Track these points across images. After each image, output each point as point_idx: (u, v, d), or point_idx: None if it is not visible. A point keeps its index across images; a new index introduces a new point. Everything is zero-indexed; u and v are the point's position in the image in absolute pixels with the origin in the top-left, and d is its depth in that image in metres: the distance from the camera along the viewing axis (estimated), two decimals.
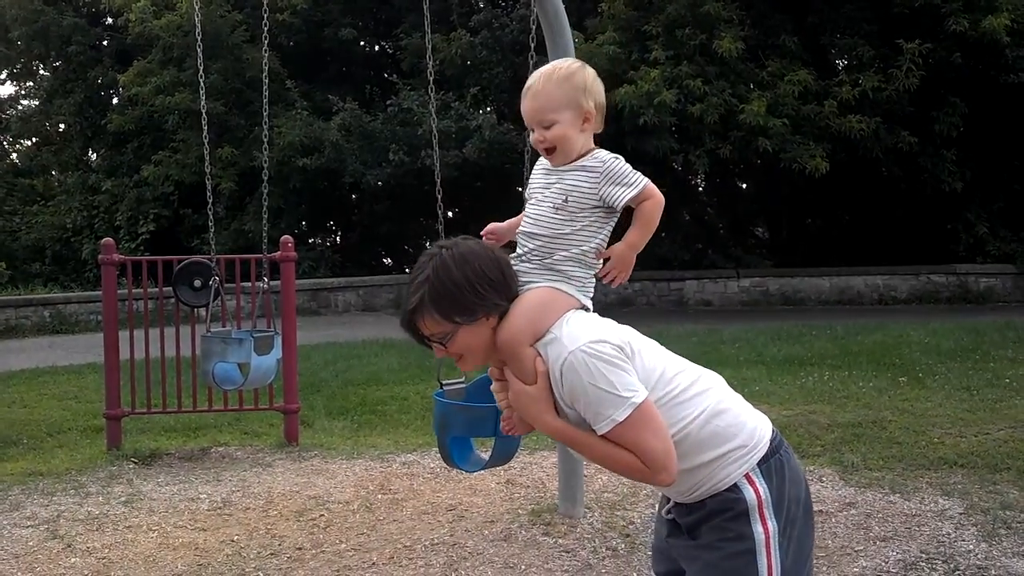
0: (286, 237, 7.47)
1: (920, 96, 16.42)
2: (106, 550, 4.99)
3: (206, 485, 6.20)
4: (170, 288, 7.06)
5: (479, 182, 19.65)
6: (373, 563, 4.70)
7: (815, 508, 2.64)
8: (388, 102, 19.50)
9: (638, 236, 2.41)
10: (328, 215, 23.24)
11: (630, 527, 5.10)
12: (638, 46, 16.76)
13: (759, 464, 2.29)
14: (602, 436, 2.21)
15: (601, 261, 2.40)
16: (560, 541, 4.93)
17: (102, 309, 7.56)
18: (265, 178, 7.14)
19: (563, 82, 2.37)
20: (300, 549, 4.93)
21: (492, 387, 2.44)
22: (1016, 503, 5.25)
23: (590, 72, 2.42)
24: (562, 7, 5.13)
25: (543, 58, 5.03)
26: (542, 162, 2.47)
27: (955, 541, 4.73)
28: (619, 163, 2.37)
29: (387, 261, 23.88)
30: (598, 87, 2.42)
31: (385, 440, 7.35)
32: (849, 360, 10.13)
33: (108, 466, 6.71)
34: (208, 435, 7.73)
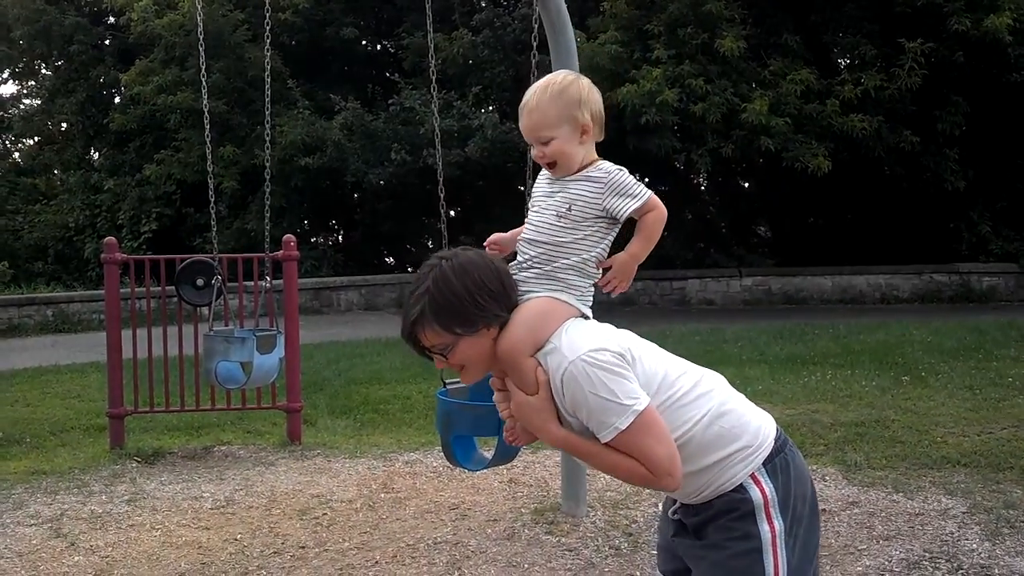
0: (288, 236, 7.48)
1: (922, 95, 16.40)
2: (109, 548, 5.00)
3: (209, 484, 6.21)
4: (173, 287, 7.06)
5: (481, 181, 19.67)
6: (376, 562, 4.70)
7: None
8: (390, 101, 19.51)
9: (640, 247, 2.41)
10: (330, 214, 23.25)
11: (633, 526, 5.11)
12: (640, 45, 16.75)
13: (764, 464, 2.29)
14: (606, 444, 2.20)
15: (601, 271, 2.40)
16: (563, 540, 4.93)
17: (105, 308, 7.57)
18: (267, 177, 7.15)
19: (557, 97, 2.36)
20: (303, 548, 4.93)
21: (494, 398, 2.44)
22: (1019, 502, 5.25)
23: (585, 83, 2.42)
24: (564, 6, 5.13)
25: (545, 57, 5.05)
26: (546, 172, 2.47)
27: (958, 540, 4.73)
28: (623, 175, 2.37)
29: (389, 260, 23.88)
30: (594, 97, 2.41)
31: (388, 439, 7.35)
32: (852, 359, 10.12)
33: (111, 465, 6.72)
34: (211, 434, 7.74)
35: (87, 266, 21.70)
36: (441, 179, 5.32)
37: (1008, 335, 11.48)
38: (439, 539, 5.00)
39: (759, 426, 2.33)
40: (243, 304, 7.84)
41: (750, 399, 2.44)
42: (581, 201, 2.35)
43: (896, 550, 4.63)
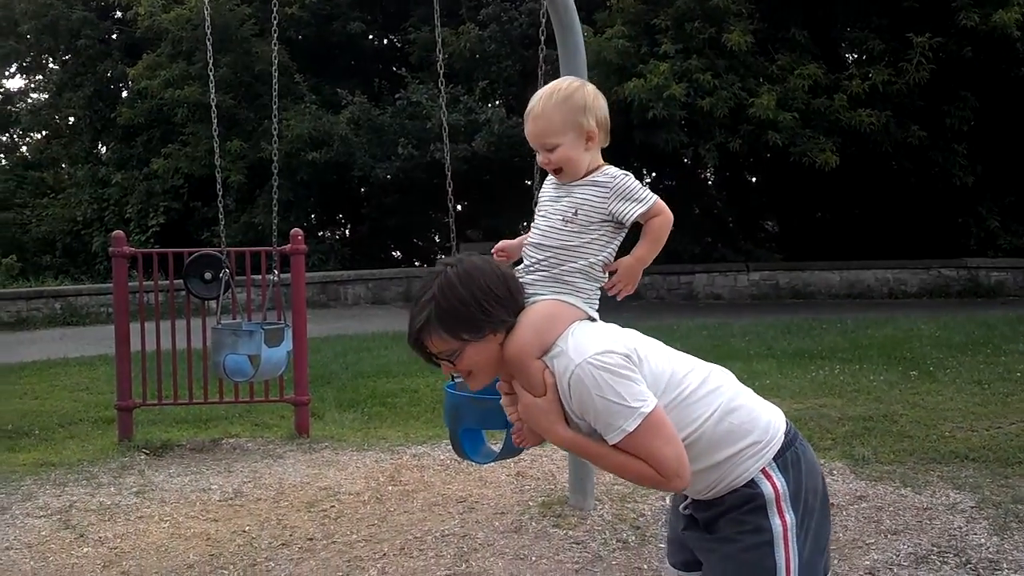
0: (296, 230, 7.48)
1: (931, 90, 16.36)
2: (118, 540, 5.02)
3: (217, 476, 6.23)
4: (181, 280, 7.08)
5: (488, 176, 19.66)
6: (384, 554, 4.71)
7: None
8: (397, 96, 19.50)
9: (646, 251, 2.40)
10: (337, 208, 23.28)
11: (640, 519, 5.11)
12: (647, 40, 16.72)
13: (775, 458, 2.29)
14: (613, 446, 2.21)
15: (607, 275, 2.40)
16: (570, 533, 4.94)
17: (113, 301, 7.59)
18: (275, 171, 7.15)
19: (562, 104, 2.36)
20: (311, 540, 4.95)
21: (502, 401, 2.45)
22: None
23: (590, 89, 2.42)
24: (571, 1, 5.12)
25: (553, 51, 5.04)
26: (552, 177, 2.47)
27: (966, 535, 4.73)
28: (629, 179, 2.37)
29: (396, 254, 23.92)
30: (599, 103, 2.41)
31: (395, 432, 7.36)
32: (859, 354, 10.11)
33: (120, 457, 6.74)
34: (219, 427, 7.75)
35: (95, 260, 21.76)
36: (449, 173, 5.32)
37: (1016, 330, 11.45)
38: (446, 532, 5.01)
39: (769, 421, 2.34)
40: (251, 298, 7.86)
41: (758, 394, 2.44)
42: (587, 205, 2.35)
43: (904, 544, 4.63)
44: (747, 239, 21.06)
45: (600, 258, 2.36)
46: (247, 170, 19.57)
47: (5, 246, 23.44)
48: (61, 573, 4.57)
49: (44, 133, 28.16)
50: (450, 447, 6.36)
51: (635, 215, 2.34)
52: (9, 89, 29.61)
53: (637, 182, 2.38)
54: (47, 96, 27.34)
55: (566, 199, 2.38)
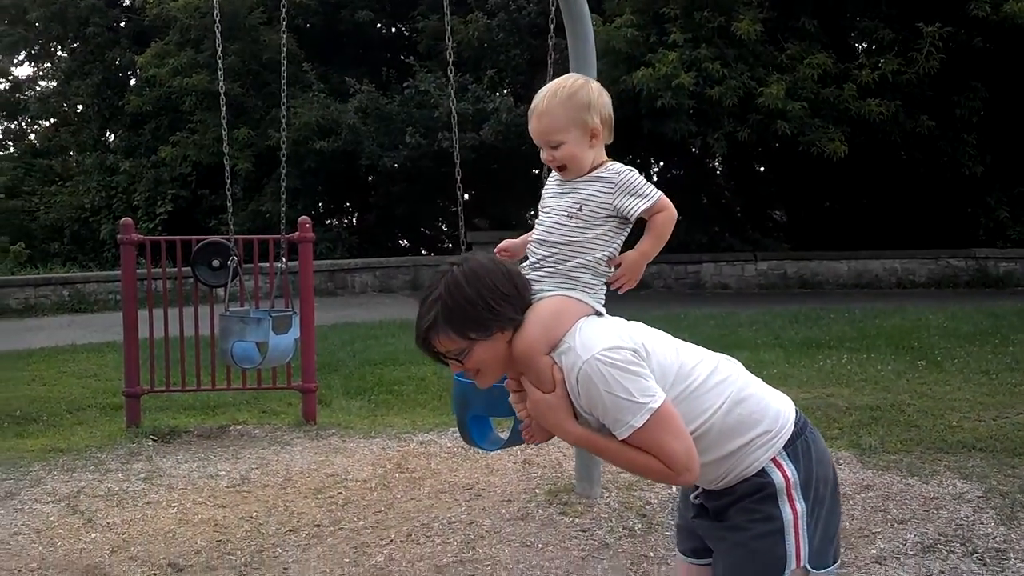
0: (304, 218, 7.48)
1: (940, 80, 16.28)
2: (126, 526, 5.04)
3: (225, 462, 6.25)
4: (189, 268, 7.09)
5: (495, 164, 19.63)
6: (391, 540, 4.72)
7: None
8: (405, 84, 19.47)
9: (650, 246, 2.41)
10: (345, 197, 23.28)
11: (647, 507, 5.12)
12: (656, 28, 16.66)
13: (785, 447, 2.30)
14: (623, 441, 2.21)
15: (612, 269, 2.40)
16: (577, 521, 4.94)
17: (121, 288, 7.60)
18: (283, 159, 7.15)
19: (567, 101, 2.36)
20: (318, 526, 4.96)
21: (511, 398, 2.45)
22: None
23: (594, 87, 2.42)
24: None
25: (562, 40, 5.03)
26: (556, 173, 2.47)
27: (973, 524, 4.73)
28: (633, 175, 2.38)
29: (404, 243, 23.91)
30: (603, 101, 2.41)
31: (402, 420, 7.38)
32: (867, 343, 10.09)
33: (127, 443, 6.76)
34: (226, 413, 7.78)
35: (103, 247, 21.80)
36: (458, 162, 5.32)
37: None
38: (453, 519, 5.02)
39: (779, 410, 2.34)
40: (258, 285, 7.87)
41: (765, 383, 2.44)
42: (592, 201, 2.35)
43: (911, 534, 4.63)
44: (755, 228, 21.01)
45: (605, 254, 2.37)
46: (255, 158, 19.58)
47: (13, 233, 23.53)
48: (69, 558, 4.59)
49: (52, 121, 28.19)
50: (457, 435, 6.38)
51: (639, 210, 2.35)
52: (18, 77, 29.66)
53: (641, 178, 2.39)
54: (55, 84, 27.35)
55: (570, 195, 2.38)
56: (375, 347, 10.79)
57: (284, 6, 6.82)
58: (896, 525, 4.76)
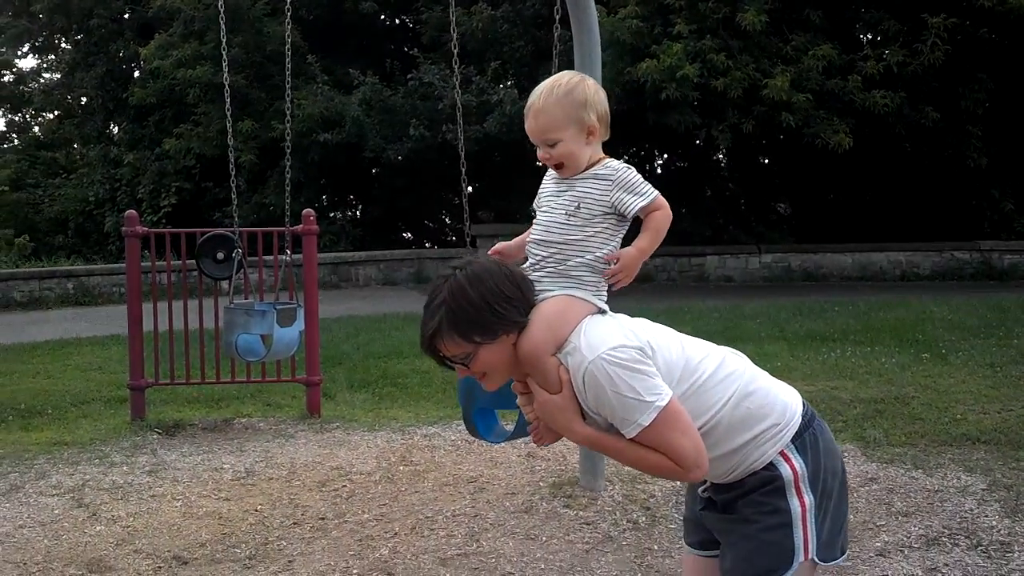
0: (308, 211, 7.47)
1: (946, 71, 16.24)
2: (131, 519, 5.04)
3: (229, 455, 6.25)
4: (193, 260, 7.09)
5: (499, 157, 19.61)
6: (395, 533, 4.73)
7: None
8: (409, 76, 19.44)
9: (648, 243, 2.39)
10: (349, 189, 23.26)
11: (651, 500, 5.12)
12: (661, 20, 16.62)
13: (793, 440, 2.30)
14: (631, 440, 2.21)
15: (610, 264, 2.39)
16: (581, 513, 4.95)
17: (125, 281, 7.60)
18: (288, 151, 7.15)
19: (563, 99, 2.35)
20: (323, 519, 4.97)
21: (518, 401, 2.45)
22: None
23: (591, 84, 2.41)
24: None
25: (567, 31, 5.01)
26: (552, 172, 2.46)
27: (977, 517, 4.72)
28: (631, 172, 2.37)
29: (407, 235, 23.91)
30: (600, 98, 2.40)
31: (406, 413, 7.38)
32: (871, 336, 10.08)
33: (132, 436, 6.77)
34: (231, 406, 7.78)
35: (107, 239, 21.83)
36: (463, 154, 5.31)
37: None
38: (457, 512, 5.02)
39: (786, 403, 2.34)
40: (263, 278, 7.86)
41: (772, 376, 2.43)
42: (590, 199, 2.34)
43: (915, 526, 4.62)
44: (759, 221, 20.99)
45: (604, 252, 2.36)
46: (258, 150, 19.58)
47: (18, 226, 23.59)
48: (74, 551, 4.60)
49: (56, 113, 28.25)
50: (461, 428, 6.39)
51: (636, 208, 2.34)
52: (22, 69, 29.72)
53: (639, 176, 2.39)
54: (59, 76, 27.41)
55: (568, 193, 2.37)
56: (379, 340, 10.80)
57: None
58: (900, 518, 4.75)
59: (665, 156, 21.98)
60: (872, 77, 15.91)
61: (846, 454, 5.78)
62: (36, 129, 30.13)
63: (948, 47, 15.70)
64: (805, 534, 2.26)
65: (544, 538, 4.63)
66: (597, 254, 2.34)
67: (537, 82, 2.44)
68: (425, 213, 23.31)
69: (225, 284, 7.19)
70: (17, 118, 30.90)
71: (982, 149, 16.94)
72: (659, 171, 21.85)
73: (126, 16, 24.26)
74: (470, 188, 20.26)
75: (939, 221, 18.22)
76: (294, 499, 5.31)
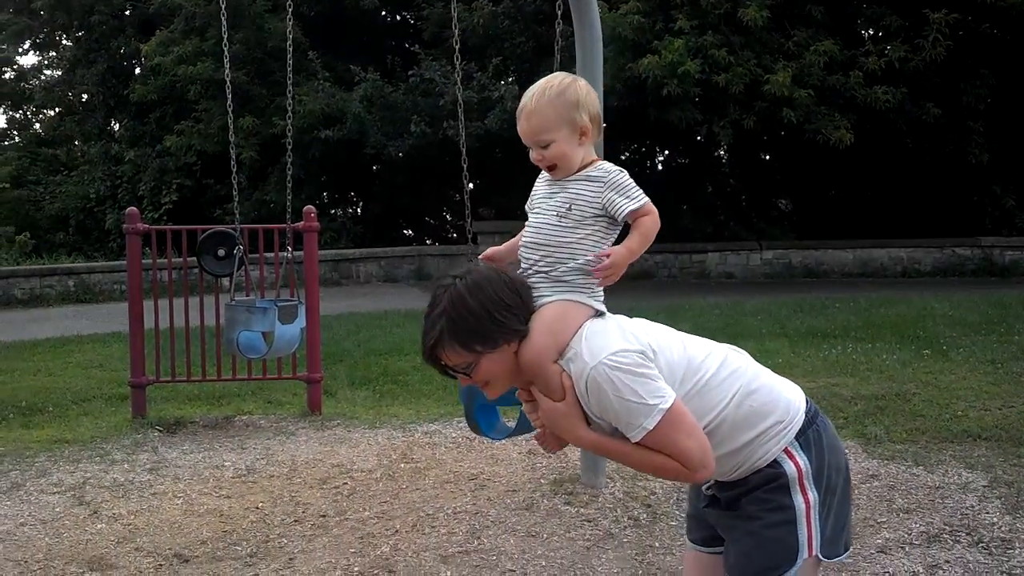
0: (309, 207, 7.47)
1: (947, 67, 16.22)
2: (132, 516, 5.05)
3: (230, 453, 6.25)
4: (194, 257, 7.08)
5: (500, 153, 19.59)
6: (396, 531, 4.73)
7: None
8: (410, 72, 19.42)
9: (637, 244, 2.38)
10: (349, 186, 23.25)
11: (651, 497, 5.11)
12: (662, 15, 16.59)
13: (797, 437, 2.30)
14: (636, 444, 2.21)
15: (601, 260, 2.37)
16: (582, 511, 4.95)
17: (126, 278, 7.60)
18: (289, 148, 7.14)
19: (556, 99, 2.35)
20: (324, 516, 4.97)
21: (523, 408, 2.45)
22: None
23: (582, 85, 2.40)
24: None
25: (568, 27, 5.01)
26: (545, 174, 2.46)
27: (979, 514, 4.72)
28: (623, 176, 2.37)
29: (408, 232, 23.91)
30: (592, 99, 2.40)
31: (407, 410, 7.38)
32: (872, 333, 10.07)
33: (133, 434, 6.77)
34: (232, 404, 7.78)
35: (108, 237, 21.82)
36: (464, 150, 5.31)
37: None
38: (458, 509, 5.02)
39: (790, 400, 2.34)
40: (264, 275, 7.86)
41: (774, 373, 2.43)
42: (581, 200, 2.34)
43: (916, 523, 4.62)
44: (760, 217, 20.97)
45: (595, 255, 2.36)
46: (259, 147, 19.57)
47: (18, 223, 23.57)
48: (75, 549, 4.60)
49: (57, 110, 28.24)
50: (462, 424, 6.39)
51: (626, 211, 2.33)
52: (23, 66, 29.72)
53: (631, 179, 2.39)
54: (60, 73, 27.40)
55: (560, 195, 2.37)
56: (380, 337, 10.79)
57: None
58: (901, 515, 4.75)
59: (666, 152, 21.97)
60: (873, 73, 15.88)
61: (847, 451, 5.76)
62: (37, 126, 30.12)
63: (950, 43, 15.68)
64: (809, 531, 2.27)
65: (545, 535, 4.63)
66: (588, 258, 2.33)
67: (538, 78, 2.44)
68: (426, 210, 23.30)
69: (226, 281, 7.19)
70: (18, 115, 30.90)
71: (983, 145, 16.92)
72: (660, 167, 21.85)
73: (127, 13, 24.25)
74: (471, 185, 20.23)
75: (940, 217, 18.20)
76: (295, 496, 5.31)
